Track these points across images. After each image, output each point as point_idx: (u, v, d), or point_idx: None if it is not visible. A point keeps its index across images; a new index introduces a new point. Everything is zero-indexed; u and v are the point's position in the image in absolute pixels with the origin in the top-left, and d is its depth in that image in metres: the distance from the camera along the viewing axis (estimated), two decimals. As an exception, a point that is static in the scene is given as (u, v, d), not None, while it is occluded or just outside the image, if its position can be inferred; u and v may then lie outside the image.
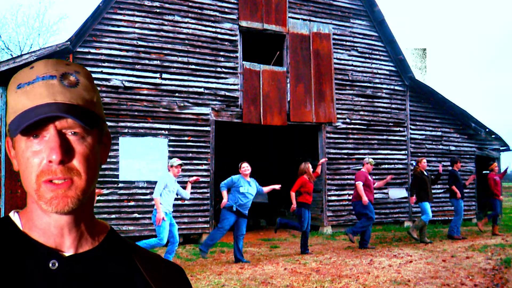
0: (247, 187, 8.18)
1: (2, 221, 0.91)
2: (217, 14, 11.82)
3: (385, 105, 14.04)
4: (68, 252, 0.88)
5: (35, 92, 0.86)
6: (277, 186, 8.63)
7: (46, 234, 0.88)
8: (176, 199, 8.04)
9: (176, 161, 7.82)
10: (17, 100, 0.87)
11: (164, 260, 1.02)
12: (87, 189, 0.88)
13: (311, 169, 9.17)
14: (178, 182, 8.16)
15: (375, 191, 11.57)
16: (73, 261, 0.87)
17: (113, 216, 10.21)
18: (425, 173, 10.65)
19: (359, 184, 9.63)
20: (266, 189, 8.53)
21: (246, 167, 8.28)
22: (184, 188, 8.27)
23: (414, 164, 10.88)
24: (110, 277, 0.89)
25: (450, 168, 11.73)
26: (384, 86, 14.07)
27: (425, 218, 10.42)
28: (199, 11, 11.63)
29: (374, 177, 12.32)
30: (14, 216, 0.92)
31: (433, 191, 11.06)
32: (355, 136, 13.47)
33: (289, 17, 12.72)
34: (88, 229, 0.92)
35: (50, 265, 0.85)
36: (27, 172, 0.85)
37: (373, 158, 13.35)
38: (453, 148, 15.04)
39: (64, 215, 0.87)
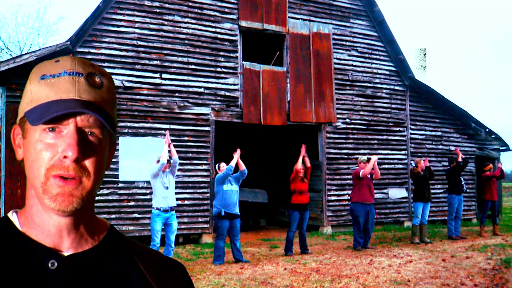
0: (228, 185, 8.21)
1: (0, 222, 0.90)
2: (217, 14, 11.82)
3: (385, 105, 14.04)
4: (67, 252, 0.87)
5: (60, 85, 0.85)
6: (237, 154, 8.25)
7: (45, 232, 0.87)
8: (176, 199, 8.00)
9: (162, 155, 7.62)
10: (39, 90, 0.86)
11: (164, 257, 1.01)
12: (92, 191, 0.87)
13: (298, 166, 9.18)
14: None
15: (375, 191, 11.54)
16: (72, 260, 0.86)
17: (113, 216, 10.20)
18: (421, 173, 10.56)
19: (364, 170, 9.47)
20: (234, 162, 8.15)
21: (223, 167, 8.29)
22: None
23: (413, 164, 10.80)
24: (109, 276, 0.88)
25: (449, 167, 11.72)
26: (384, 86, 14.07)
27: (414, 221, 10.42)
28: (199, 11, 11.63)
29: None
30: (12, 216, 0.91)
31: (433, 191, 11.04)
32: (355, 136, 13.47)
33: (289, 17, 12.72)
34: (88, 229, 0.91)
35: (49, 265, 0.84)
36: (36, 164, 0.84)
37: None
38: (453, 148, 15.01)
39: (65, 216, 0.86)
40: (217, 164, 8.51)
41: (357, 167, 10.18)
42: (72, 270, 0.85)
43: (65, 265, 0.85)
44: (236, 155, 8.25)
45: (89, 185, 0.86)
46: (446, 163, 14.06)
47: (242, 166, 8.32)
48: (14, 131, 0.92)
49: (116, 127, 0.94)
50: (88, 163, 0.86)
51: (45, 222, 0.87)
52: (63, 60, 0.89)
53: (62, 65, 0.88)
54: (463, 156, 11.19)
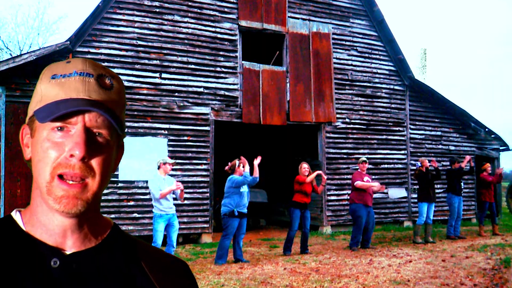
0: (245, 186, 8.18)
1: (3, 221, 0.90)
2: (217, 13, 11.82)
3: (384, 105, 14.04)
4: (70, 251, 0.88)
5: (70, 85, 0.86)
6: (257, 161, 8.25)
7: (49, 231, 0.87)
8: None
9: (169, 159, 7.74)
10: (50, 89, 0.87)
11: (167, 255, 1.01)
12: (98, 193, 0.87)
13: (303, 169, 9.16)
14: (177, 181, 8.08)
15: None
16: (74, 259, 0.86)
17: (112, 216, 10.19)
18: (427, 173, 10.57)
19: (358, 183, 9.55)
20: (256, 172, 8.17)
21: (241, 169, 8.17)
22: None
23: (419, 164, 10.73)
24: (111, 274, 0.88)
25: (449, 167, 11.72)
26: (384, 86, 14.07)
27: (418, 221, 10.42)
28: (199, 10, 11.62)
29: (374, 177, 12.31)
30: (16, 215, 0.91)
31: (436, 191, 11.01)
32: (355, 136, 13.47)
33: (288, 16, 12.71)
34: (92, 228, 0.91)
35: (52, 263, 0.84)
36: (43, 163, 0.84)
37: (373, 158, 13.38)
38: (452, 148, 15.03)
39: (69, 217, 0.86)
40: (238, 163, 8.25)
41: (357, 168, 10.19)
42: (74, 268, 0.85)
43: (67, 263, 0.85)
44: (256, 163, 8.16)
45: (94, 186, 0.86)
46: (446, 163, 14.08)
47: (257, 173, 8.22)
48: (23, 130, 0.92)
49: (125, 129, 0.94)
50: (95, 163, 0.86)
51: (49, 221, 0.87)
52: (75, 61, 0.90)
53: (73, 66, 0.89)
54: (472, 165, 11.05)
